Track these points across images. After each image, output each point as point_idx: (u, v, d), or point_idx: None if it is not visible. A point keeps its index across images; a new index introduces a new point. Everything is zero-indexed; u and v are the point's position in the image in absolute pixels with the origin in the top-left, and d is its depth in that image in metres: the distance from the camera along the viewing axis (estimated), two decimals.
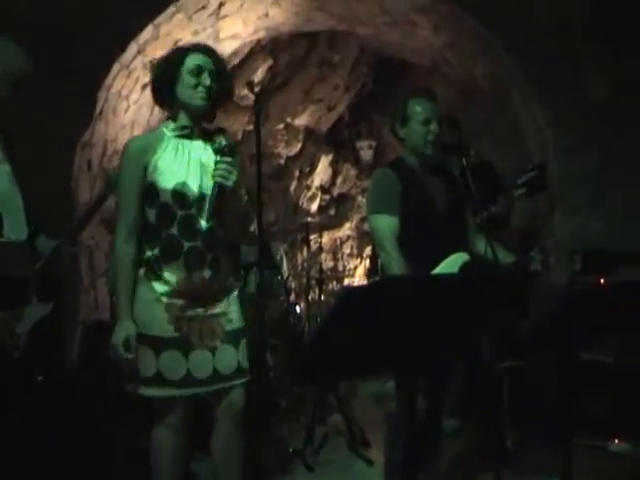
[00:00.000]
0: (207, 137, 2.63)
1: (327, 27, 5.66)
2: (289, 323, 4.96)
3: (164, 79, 2.55)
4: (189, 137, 2.59)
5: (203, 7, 4.49)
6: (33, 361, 2.83)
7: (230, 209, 2.60)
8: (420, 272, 2.78)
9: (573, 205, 4.46)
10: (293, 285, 6.18)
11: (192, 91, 2.52)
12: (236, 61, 6.00)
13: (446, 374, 3.20)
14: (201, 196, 2.52)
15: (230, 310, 2.63)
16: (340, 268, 7.92)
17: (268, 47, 6.25)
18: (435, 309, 1.68)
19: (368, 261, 7.38)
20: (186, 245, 2.51)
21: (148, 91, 2.69)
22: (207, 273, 2.55)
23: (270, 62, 6.38)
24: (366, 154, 7.72)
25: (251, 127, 6.33)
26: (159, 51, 4.36)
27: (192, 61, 2.53)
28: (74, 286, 4.25)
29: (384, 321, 1.59)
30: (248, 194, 4.35)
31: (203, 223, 2.52)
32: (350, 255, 7.99)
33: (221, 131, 2.65)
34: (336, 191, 7.85)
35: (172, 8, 4.28)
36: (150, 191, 2.51)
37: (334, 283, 7.73)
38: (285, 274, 5.12)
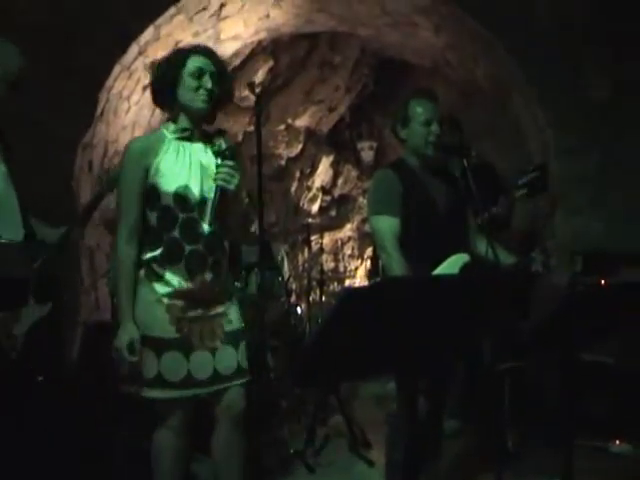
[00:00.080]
0: (207, 139, 2.63)
1: (328, 28, 5.66)
2: (290, 324, 4.96)
3: (165, 81, 2.55)
4: (189, 139, 2.59)
5: (204, 8, 4.49)
6: (31, 362, 2.83)
7: (232, 212, 2.60)
8: (421, 273, 2.78)
9: (574, 206, 4.46)
10: (294, 286, 6.18)
11: (193, 94, 2.52)
12: (237, 62, 6.00)
13: (447, 375, 3.20)
14: (202, 199, 2.52)
15: (230, 311, 2.63)
16: (341, 269, 7.92)
17: (269, 48, 6.25)
18: (436, 310, 1.68)
19: (369, 262, 7.38)
20: (188, 248, 2.51)
21: (149, 92, 2.69)
22: (208, 276, 2.55)
23: (271, 63, 6.39)
24: (367, 155, 7.72)
25: (252, 128, 6.33)
26: (160, 52, 4.36)
27: (193, 63, 2.53)
28: (74, 286, 4.25)
29: (385, 322, 1.59)
30: (249, 195, 4.36)
31: (205, 226, 2.52)
32: (351, 256, 7.99)
33: (221, 133, 2.64)
34: (337, 192, 7.85)
35: (173, 9, 4.28)
36: (151, 194, 2.51)
37: (335, 284, 7.73)
38: (286, 275, 5.12)
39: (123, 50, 4.22)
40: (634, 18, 4.38)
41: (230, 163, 2.50)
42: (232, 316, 2.63)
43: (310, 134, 7.36)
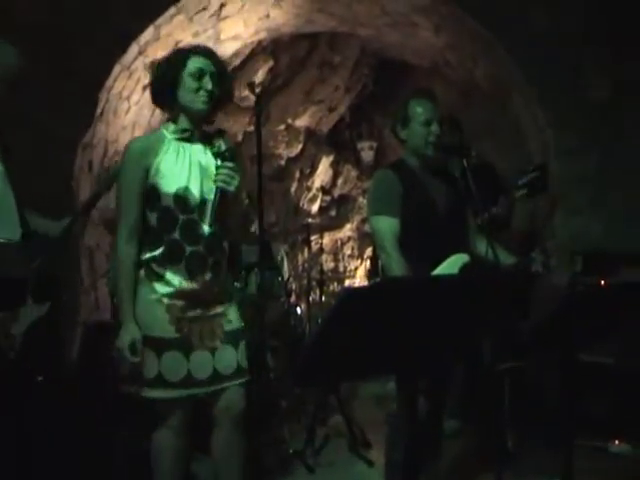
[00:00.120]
0: (207, 140, 2.63)
1: (328, 28, 5.66)
2: (290, 324, 4.96)
3: (165, 81, 2.55)
4: (189, 140, 2.59)
5: (204, 8, 4.49)
6: (30, 362, 2.83)
7: (231, 213, 2.60)
8: (420, 273, 2.78)
9: (574, 206, 4.46)
10: (294, 286, 6.18)
11: (193, 95, 2.51)
12: (237, 62, 6.00)
13: (447, 375, 3.20)
14: (202, 200, 2.52)
15: (229, 311, 2.63)
16: (341, 269, 7.92)
17: (269, 48, 6.25)
18: (435, 310, 1.68)
19: (369, 262, 7.38)
20: (188, 250, 2.51)
21: (149, 92, 2.69)
22: (208, 276, 2.55)
23: (271, 63, 6.39)
24: (367, 155, 7.72)
25: (252, 128, 6.33)
26: (160, 52, 4.36)
27: (194, 64, 2.52)
28: (74, 286, 4.25)
29: (385, 322, 1.59)
30: (249, 195, 4.37)
31: (205, 228, 2.52)
32: (351, 256, 7.99)
33: (220, 133, 2.64)
34: (337, 192, 7.85)
35: (173, 9, 4.28)
36: (151, 194, 2.51)
37: (335, 284, 7.72)
38: (286, 275, 5.12)
39: (123, 50, 4.22)
40: (634, 18, 4.38)
41: (230, 165, 2.50)
42: (231, 316, 2.63)
43: (310, 134, 7.36)
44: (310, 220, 6.49)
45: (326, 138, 7.55)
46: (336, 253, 7.88)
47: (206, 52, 2.59)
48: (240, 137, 6.55)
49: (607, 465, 3.67)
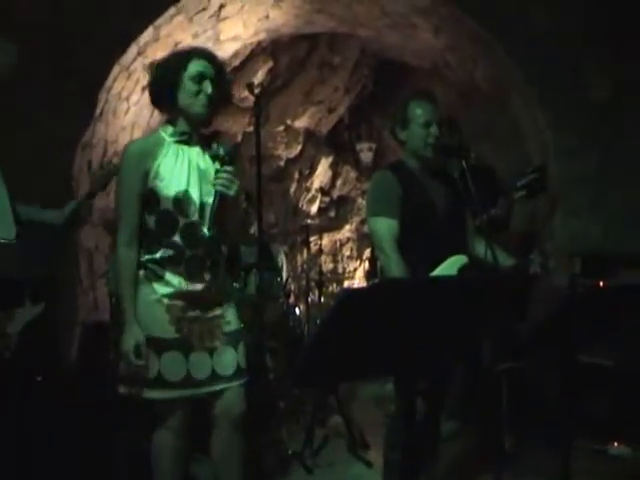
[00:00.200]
0: (205, 143, 2.62)
1: (328, 29, 5.66)
2: (288, 325, 4.96)
3: (165, 83, 2.54)
4: (188, 143, 2.59)
5: (203, 9, 4.49)
6: (25, 361, 2.83)
7: (230, 216, 2.61)
8: (419, 274, 2.78)
9: (573, 207, 4.46)
10: (293, 287, 6.18)
11: (193, 98, 2.51)
12: (236, 63, 6.01)
13: (445, 376, 3.20)
14: (201, 204, 2.52)
15: (227, 313, 2.63)
16: (340, 270, 7.92)
17: (268, 49, 6.25)
18: (434, 311, 1.68)
19: (367, 263, 7.37)
20: (188, 253, 2.51)
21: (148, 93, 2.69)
22: (207, 278, 2.56)
23: (270, 64, 6.39)
24: (366, 156, 7.72)
25: (251, 129, 6.33)
26: (159, 53, 4.36)
27: (195, 67, 2.52)
28: (72, 286, 4.25)
29: (383, 323, 1.59)
30: (248, 196, 4.37)
31: (205, 231, 2.52)
32: (350, 257, 7.99)
33: (218, 136, 2.64)
34: (336, 193, 7.85)
35: (172, 10, 4.28)
36: (150, 197, 2.50)
37: (334, 285, 7.72)
38: (285, 276, 5.12)
39: (122, 50, 4.22)
40: (634, 18, 4.38)
41: (229, 169, 2.50)
42: (230, 317, 2.63)
43: (309, 135, 7.36)
44: (309, 221, 6.49)
45: (325, 139, 7.55)
46: (335, 254, 7.88)
47: (207, 55, 2.58)
48: (239, 138, 6.55)
49: (606, 467, 3.67)
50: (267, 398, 4.02)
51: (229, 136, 6.26)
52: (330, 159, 7.63)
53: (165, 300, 2.50)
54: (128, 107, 4.72)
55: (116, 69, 4.26)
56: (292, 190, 7.45)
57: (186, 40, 4.64)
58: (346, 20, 5.28)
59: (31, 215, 3.00)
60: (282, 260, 5.20)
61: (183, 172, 2.52)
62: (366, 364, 1.71)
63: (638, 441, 3.85)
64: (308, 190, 7.60)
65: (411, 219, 2.89)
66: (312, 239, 6.45)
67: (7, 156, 2.92)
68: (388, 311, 1.58)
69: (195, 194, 2.52)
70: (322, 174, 7.64)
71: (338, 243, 7.91)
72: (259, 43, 5.96)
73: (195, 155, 2.58)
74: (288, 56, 6.51)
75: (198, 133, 2.62)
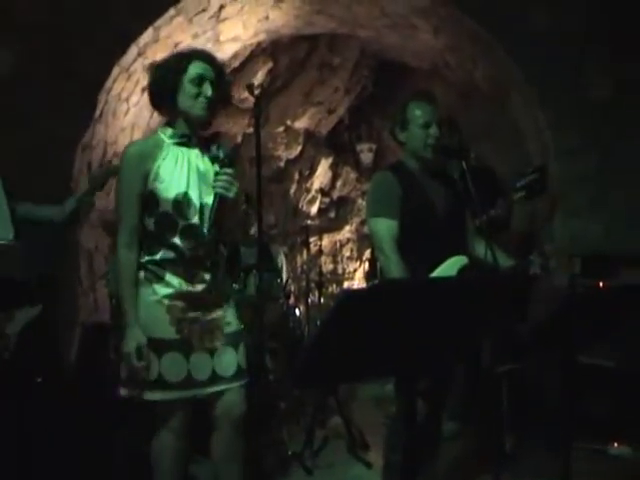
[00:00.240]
0: (204, 145, 2.62)
1: (327, 30, 5.67)
2: (288, 326, 4.96)
3: (165, 85, 2.53)
4: (187, 145, 2.59)
5: (203, 10, 4.49)
6: (26, 362, 2.83)
7: (229, 218, 2.61)
8: (419, 275, 2.78)
9: (574, 207, 4.46)
10: (292, 288, 6.18)
11: (193, 101, 2.51)
12: (236, 64, 6.01)
13: (445, 377, 3.19)
14: (201, 206, 2.52)
15: (227, 314, 2.63)
16: (340, 271, 7.92)
17: (268, 50, 6.26)
18: (434, 312, 1.68)
19: (367, 264, 7.37)
20: (188, 254, 2.51)
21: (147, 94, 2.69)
22: (207, 279, 2.56)
23: (270, 65, 6.39)
24: (366, 157, 7.72)
25: (251, 130, 6.33)
26: (159, 54, 4.36)
27: (195, 70, 2.51)
28: (72, 287, 4.25)
29: (383, 324, 1.59)
30: (248, 197, 4.37)
31: (204, 232, 2.52)
32: (350, 258, 7.99)
33: (218, 138, 2.64)
34: (336, 194, 7.85)
35: (172, 11, 4.28)
36: (150, 199, 2.50)
37: (334, 286, 7.72)
38: (285, 277, 5.12)
39: (122, 51, 4.23)
40: (635, 17, 4.37)
41: (229, 171, 2.50)
42: (230, 318, 2.63)
43: (309, 136, 7.36)
44: (309, 222, 6.49)
45: (325, 140, 7.56)
46: (335, 255, 7.88)
47: (207, 57, 2.58)
48: (239, 139, 6.55)
49: (606, 467, 3.66)
50: (267, 399, 4.02)
51: (229, 137, 6.27)
52: (330, 160, 7.64)
53: (165, 301, 2.50)
54: (128, 108, 4.72)
55: (116, 70, 4.26)
56: (292, 191, 7.45)
57: (186, 41, 4.64)
58: (346, 21, 5.28)
59: (30, 213, 3.00)
60: (282, 261, 5.20)
61: (183, 174, 2.52)
62: (366, 365, 1.71)
63: (638, 441, 3.85)
64: (308, 191, 7.60)
65: (411, 220, 2.89)
66: (312, 240, 6.45)
67: (7, 156, 2.92)
68: (388, 312, 1.57)
69: (195, 196, 2.52)
70: (322, 175, 7.64)
71: (338, 244, 7.91)
72: (259, 44, 5.96)
73: (195, 157, 2.58)
74: (288, 57, 6.51)
75: (197, 135, 2.62)
